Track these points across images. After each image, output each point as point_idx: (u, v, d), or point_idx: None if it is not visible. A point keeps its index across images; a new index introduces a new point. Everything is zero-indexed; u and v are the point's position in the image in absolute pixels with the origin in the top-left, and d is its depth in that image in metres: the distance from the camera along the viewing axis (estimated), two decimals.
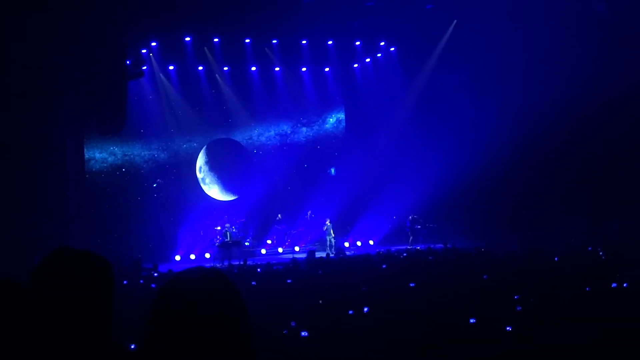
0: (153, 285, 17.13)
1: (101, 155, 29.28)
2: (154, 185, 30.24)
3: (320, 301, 11.42)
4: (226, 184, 31.31)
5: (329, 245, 28.23)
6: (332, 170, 33.70)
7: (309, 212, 31.00)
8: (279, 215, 31.06)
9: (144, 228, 28.53)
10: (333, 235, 28.71)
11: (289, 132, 33.19)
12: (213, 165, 31.17)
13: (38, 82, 21.98)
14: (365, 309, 10.60)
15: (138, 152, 30.05)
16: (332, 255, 23.71)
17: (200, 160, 30.87)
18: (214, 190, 31.10)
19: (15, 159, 21.49)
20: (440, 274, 14.77)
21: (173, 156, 30.72)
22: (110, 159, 29.49)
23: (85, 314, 2.65)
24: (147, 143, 30.13)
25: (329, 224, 28.94)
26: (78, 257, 2.78)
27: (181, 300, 2.26)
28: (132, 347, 8.41)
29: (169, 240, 28.16)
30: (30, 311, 2.63)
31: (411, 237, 28.75)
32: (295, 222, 31.02)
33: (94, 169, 28.95)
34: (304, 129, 33.45)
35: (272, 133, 32.84)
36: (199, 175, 30.87)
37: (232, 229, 28.34)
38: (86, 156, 28.15)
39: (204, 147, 31.05)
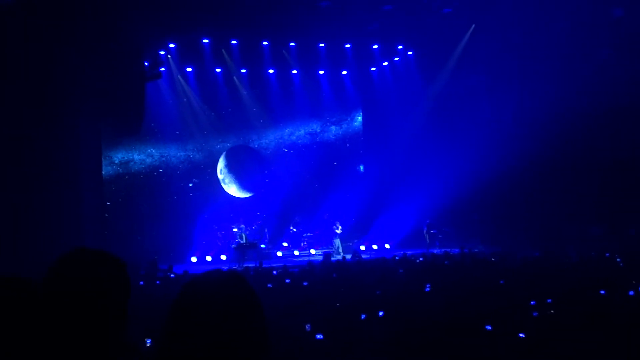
0: (157, 282, 17.28)
1: (139, 157, 29.79)
2: (190, 185, 30.51)
3: (338, 304, 11.40)
4: (242, 183, 31.54)
5: (336, 249, 28.29)
6: (361, 167, 33.79)
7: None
8: (297, 218, 31.13)
9: (176, 228, 28.96)
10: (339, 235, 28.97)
11: (318, 130, 33.35)
12: (231, 167, 31.42)
13: (55, 84, 22.08)
14: (381, 313, 10.57)
15: (174, 153, 30.58)
16: (341, 258, 23.59)
17: (221, 164, 31.22)
18: (232, 189, 31.36)
19: (31, 159, 21.60)
20: (456, 279, 14.72)
21: (208, 156, 31.27)
22: (148, 160, 30.01)
23: (100, 314, 2.66)
24: (182, 144, 30.76)
25: (339, 228, 29.06)
26: (93, 257, 2.78)
27: (200, 302, 2.27)
28: (148, 342, 8.46)
29: (187, 241, 28.48)
30: (45, 311, 2.63)
31: (428, 242, 28.69)
32: (311, 225, 31.04)
33: (132, 170, 29.52)
34: (333, 127, 33.60)
35: (302, 132, 33.04)
36: (220, 177, 31.17)
37: (248, 230, 28.43)
38: (125, 158, 29.39)
39: (224, 153, 31.30)
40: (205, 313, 2.24)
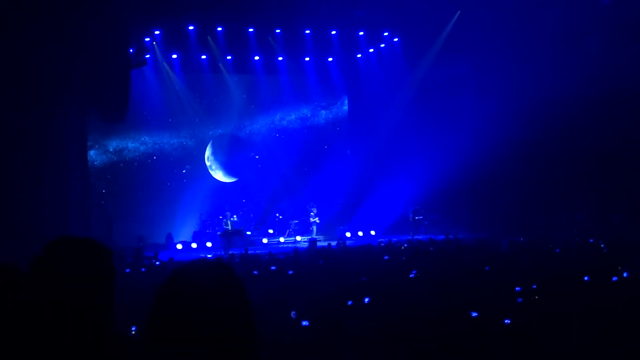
0: (143, 270, 17.31)
1: (133, 144, 29.76)
2: (183, 171, 30.67)
3: (324, 291, 11.43)
4: (228, 169, 31.64)
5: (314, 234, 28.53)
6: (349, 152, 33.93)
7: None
8: (282, 204, 31.16)
9: (166, 214, 29.28)
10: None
11: (308, 115, 33.39)
12: (217, 154, 31.44)
13: (39, 72, 21.99)
14: (366, 300, 10.61)
15: (168, 140, 30.59)
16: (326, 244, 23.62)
17: (208, 152, 31.26)
18: (219, 175, 31.42)
19: (17, 148, 21.57)
20: (441, 266, 14.78)
21: (200, 143, 31.34)
22: (142, 148, 29.99)
23: (86, 302, 2.65)
24: (175, 131, 30.76)
25: (314, 213, 29.33)
26: (78, 246, 2.78)
27: (185, 291, 2.26)
28: (133, 329, 8.46)
29: (175, 227, 28.60)
30: (31, 299, 2.63)
31: (413, 228, 28.77)
32: (297, 211, 31.06)
33: (127, 158, 29.49)
34: (323, 112, 33.66)
35: (292, 117, 33.08)
36: (207, 164, 31.22)
37: (234, 217, 28.44)
38: (119, 146, 29.27)
39: (211, 141, 31.33)
40: (190, 302, 2.23)
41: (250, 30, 28.36)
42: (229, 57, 29.93)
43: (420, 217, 29.13)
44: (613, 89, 23.56)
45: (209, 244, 27.76)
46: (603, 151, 24.48)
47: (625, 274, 12.12)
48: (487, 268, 13.73)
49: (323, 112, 33.67)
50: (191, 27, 27.32)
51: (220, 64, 30.17)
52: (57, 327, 2.60)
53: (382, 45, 31.30)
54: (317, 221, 29.39)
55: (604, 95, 23.84)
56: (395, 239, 23.45)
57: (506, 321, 8.54)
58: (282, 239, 29.47)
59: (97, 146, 28.50)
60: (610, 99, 23.91)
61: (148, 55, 27.21)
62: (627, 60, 22.92)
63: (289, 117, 33.01)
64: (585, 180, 24.96)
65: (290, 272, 14.99)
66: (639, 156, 23.60)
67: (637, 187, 23.52)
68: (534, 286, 11.12)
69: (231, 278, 2.34)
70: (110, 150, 29.09)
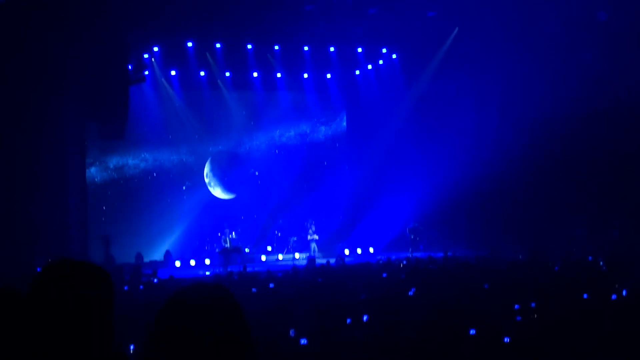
0: (141, 287, 17.27)
1: (134, 161, 29.77)
2: (183, 188, 30.69)
3: (323, 309, 11.40)
4: (226, 185, 31.62)
5: (313, 253, 28.23)
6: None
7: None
8: (280, 221, 31.11)
9: (166, 231, 29.24)
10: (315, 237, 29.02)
11: (308, 131, 33.39)
12: (215, 171, 31.44)
13: (40, 86, 22.06)
14: (365, 317, 10.59)
15: (168, 157, 30.56)
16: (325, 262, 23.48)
17: (207, 169, 31.25)
18: (217, 191, 31.44)
19: (15, 164, 21.60)
20: (440, 283, 14.76)
21: (200, 160, 31.33)
22: (142, 165, 29.97)
23: (84, 325, 2.65)
24: (175, 148, 30.71)
25: (313, 230, 29.15)
26: (76, 268, 2.77)
27: (184, 315, 2.26)
28: (132, 347, 8.44)
29: (174, 244, 28.60)
30: (30, 320, 2.62)
31: (411, 246, 28.69)
32: (296, 228, 30.97)
33: (127, 175, 29.46)
34: (323, 127, 33.67)
35: (292, 133, 33.08)
36: (206, 180, 31.22)
37: (232, 234, 28.36)
38: (119, 163, 29.19)
39: (209, 158, 31.36)
40: (189, 325, 2.24)
41: (249, 46, 28.44)
42: (227, 74, 29.99)
43: (418, 236, 29.00)
44: (612, 104, 23.57)
45: (207, 261, 27.71)
46: (602, 166, 24.49)
47: (624, 292, 12.10)
48: (485, 286, 13.71)
49: (322, 128, 33.69)
50: (190, 44, 27.41)
51: (219, 81, 30.22)
52: (56, 350, 2.59)
53: (381, 62, 31.38)
54: (316, 238, 29.21)
55: (603, 110, 23.85)
56: (394, 257, 23.41)
57: (505, 339, 8.52)
58: (280, 257, 29.40)
59: (97, 163, 28.53)
60: (608, 113, 23.91)
61: (147, 72, 27.26)
62: (624, 75, 22.98)
63: (289, 133, 33.01)
64: (585, 196, 24.94)
65: (288, 289, 14.96)
66: (639, 172, 23.61)
67: (636, 203, 23.50)
68: (533, 304, 11.10)
69: (228, 299, 2.34)
70: (111, 167, 29.10)
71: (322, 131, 33.76)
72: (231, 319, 2.30)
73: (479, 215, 27.75)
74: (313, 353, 8.46)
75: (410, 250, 28.33)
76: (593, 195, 24.72)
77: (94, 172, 28.31)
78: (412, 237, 28.88)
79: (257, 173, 32.30)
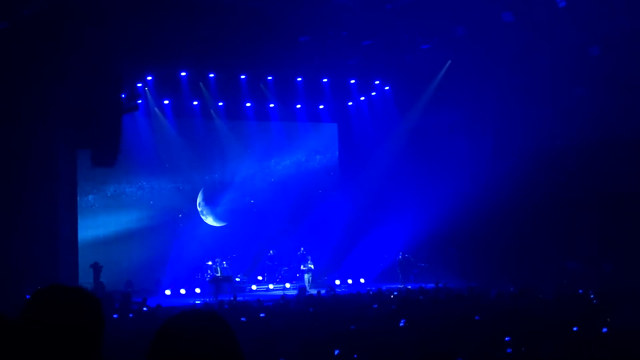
0: (131, 315, 17.19)
1: (131, 189, 30.07)
2: (180, 215, 30.80)
3: (313, 339, 11.36)
4: (217, 214, 31.75)
5: (307, 284, 28.04)
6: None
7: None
8: (271, 251, 30.98)
9: (158, 260, 29.07)
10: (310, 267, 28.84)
11: (303, 160, 33.48)
12: (208, 200, 31.56)
13: (31, 117, 22.11)
14: (355, 356, 10.53)
15: (165, 185, 30.86)
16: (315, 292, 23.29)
17: (199, 198, 31.37)
18: (209, 219, 31.55)
19: (6, 191, 21.59)
20: (431, 315, 14.73)
21: (196, 189, 31.61)
22: (139, 193, 30.30)
23: (74, 351, 2.64)
24: (172, 176, 31.00)
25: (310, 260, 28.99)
26: (67, 295, 2.77)
27: (178, 341, 2.26)
28: None
29: (165, 272, 28.47)
30: (20, 346, 2.61)
31: (401, 277, 28.63)
32: (288, 258, 30.87)
33: (124, 203, 29.78)
34: (318, 156, 33.79)
35: (287, 162, 33.19)
36: (199, 209, 31.32)
37: (223, 263, 28.25)
38: (117, 191, 29.66)
39: (202, 188, 31.60)
40: (183, 351, 2.24)
41: (242, 77, 28.57)
42: (220, 104, 30.08)
43: (409, 266, 28.94)
44: (604, 138, 23.71)
45: (197, 290, 27.59)
46: (594, 199, 24.57)
47: (615, 325, 12.09)
48: (476, 317, 13.68)
49: (318, 156, 33.79)
50: (183, 73, 27.51)
51: (211, 110, 30.31)
52: None
53: (374, 94, 31.51)
54: (312, 267, 28.96)
55: (596, 145, 23.99)
56: (385, 287, 23.35)
57: None
58: (271, 286, 29.27)
59: (95, 191, 28.57)
60: (601, 148, 24.04)
61: (140, 101, 27.29)
62: (617, 109, 23.14)
63: (287, 161, 33.12)
64: (576, 229, 24.99)
65: (278, 319, 14.92)
66: (630, 205, 23.68)
67: (628, 236, 23.55)
68: (523, 336, 11.08)
69: (222, 326, 2.35)
70: (108, 195, 29.17)
71: (322, 157, 33.88)
72: (226, 346, 2.31)
73: (471, 247, 27.71)
74: None
75: (401, 281, 28.27)
76: (585, 228, 24.79)
77: (91, 200, 28.61)
78: (402, 269, 28.83)
79: (252, 201, 32.34)
